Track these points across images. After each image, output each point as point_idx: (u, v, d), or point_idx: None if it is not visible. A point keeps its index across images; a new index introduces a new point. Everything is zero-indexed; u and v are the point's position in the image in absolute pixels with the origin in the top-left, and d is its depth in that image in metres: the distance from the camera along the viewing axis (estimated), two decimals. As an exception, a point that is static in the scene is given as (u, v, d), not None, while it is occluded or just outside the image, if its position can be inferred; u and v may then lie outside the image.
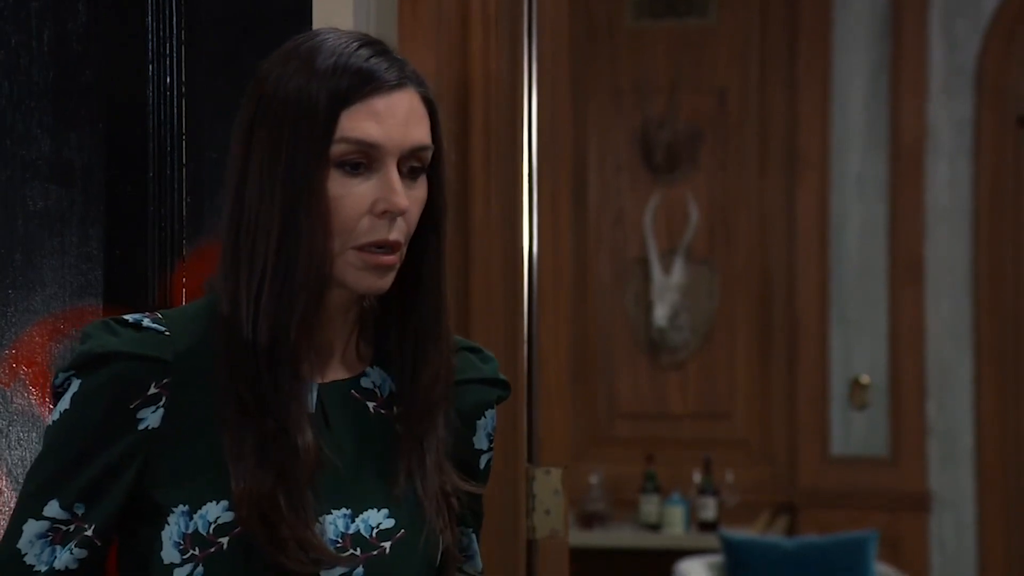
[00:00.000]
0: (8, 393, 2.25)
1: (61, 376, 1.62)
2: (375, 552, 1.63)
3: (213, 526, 1.58)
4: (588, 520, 6.99)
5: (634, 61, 7.43)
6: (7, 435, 2.25)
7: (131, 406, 1.59)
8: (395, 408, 1.69)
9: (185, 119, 2.30)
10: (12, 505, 2.23)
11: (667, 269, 7.35)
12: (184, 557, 1.58)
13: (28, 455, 2.25)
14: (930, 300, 7.16)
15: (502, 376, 1.80)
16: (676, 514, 6.88)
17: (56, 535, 1.60)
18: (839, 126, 7.25)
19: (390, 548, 1.64)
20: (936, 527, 7.14)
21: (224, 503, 1.59)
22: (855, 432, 7.21)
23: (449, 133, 2.84)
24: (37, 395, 2.25)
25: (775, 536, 6.82)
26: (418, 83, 1.65)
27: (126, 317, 1.63)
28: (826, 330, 7.23)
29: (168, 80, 2.30)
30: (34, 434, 2.25)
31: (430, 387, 1.68)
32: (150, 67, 2.30)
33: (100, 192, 2.28)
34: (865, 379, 7.17)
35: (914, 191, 7.17)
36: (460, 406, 1.74)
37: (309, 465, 1.60)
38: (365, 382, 1.70)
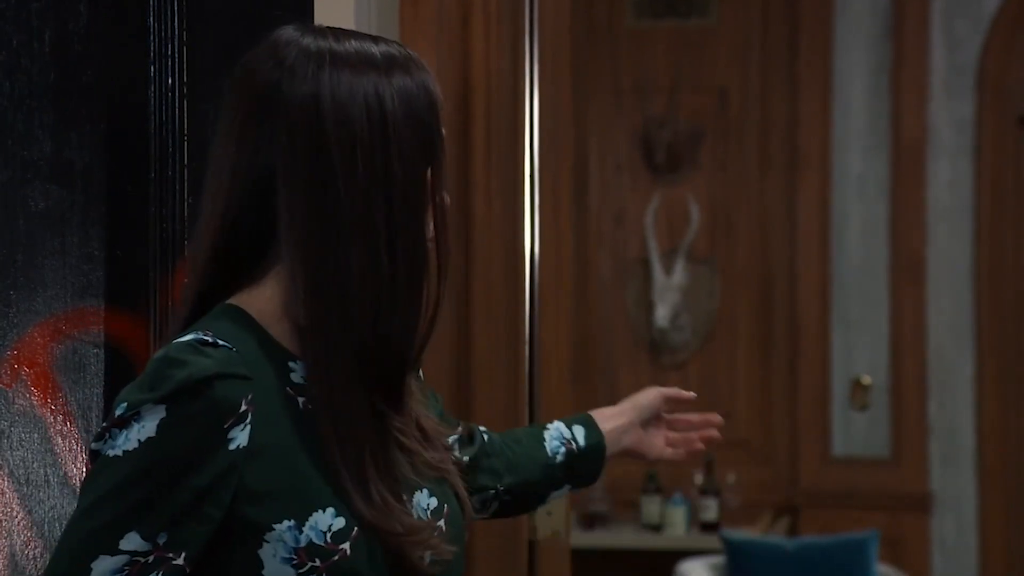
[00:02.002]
0: (10, 394, 2.25)
1: (142, 405, 1.55)
2: (437, 534, 1.68)
3: (329, 535, 1.57)
4: (589, 521, 6.98)
5: (635, 61, 7.43)
6: (9, 436, 2.25)
7: (225, 427, 1.55)
8: None
9: (187, 119, 2.29)
10: (14, 506, 2.22)
11: (668, 269, 7.35)
12: (301, 571, 1.56)
13: (29, 456, 2.24)
14: (931, 300, 7.15)
15: None
16: (677, 515, 6.88)
17: (134, 568, 1.54)
18: (840, 126, 7.25)
19: (445, 525, 1.69)
20: (937, 527, 7.14)
21: (331, 510, 1.58)
22: (856, 432, 7.21)
23: (450, 132, 2.84)
24: (39, 396, 2.25)
25: (776, 537, 6.82)
26: None
27: (203, 338, 1.59)
28: (827, 330, 7.22)
29: (169, 80, 2.29)
30: (35, 435, 2.25)
31: (419, 361, 1.73)
32: (151, 67, 2.30)
33: (101, 192, 2.28)
34: (866, 379, 7.17)
35: (915, 191, 7.16)
36: None
37: (415, 464, 1.65)
38: None
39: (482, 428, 2.11)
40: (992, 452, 7.11)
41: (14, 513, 2.22)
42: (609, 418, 2.18)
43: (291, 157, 1.61)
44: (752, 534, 6.67)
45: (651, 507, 6.95)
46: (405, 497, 1.65)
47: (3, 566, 2.22)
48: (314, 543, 1.57)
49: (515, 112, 2.93)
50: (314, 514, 1.57)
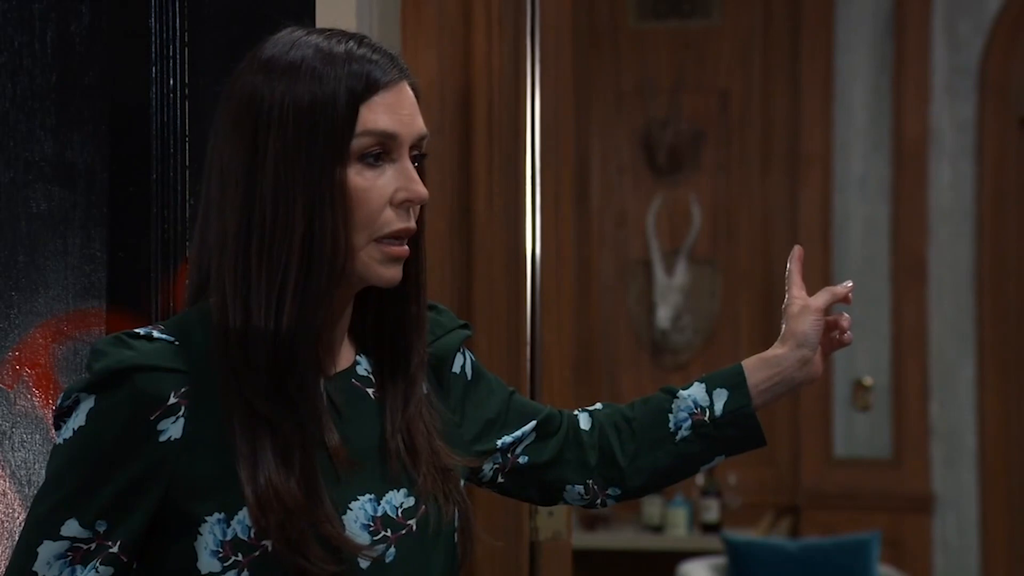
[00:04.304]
0: (11, 395, 2.25)
1: (74, 395, 1.60)
2: (403, 531, 1.67)
3: (254, 530, 1.58)
4: (591, 521, 6.98)
5: (637, 62, 7.44)
6: (11, 437, 2.25)
7: (151, 418, 1.58)
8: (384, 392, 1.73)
9: (188, 120, 2.29)
10: (16, 507, 2.22)
11: (670, 270, 7.35)
12: (225, 564, 1.58)
13: (32, 457, 2.25)
14: (933, 301, 7.15)
15: (459, 320, 1.88)
16: (679, 516, 6.88)
17: (76, 554, 1.58)
18: (842, 126, 7.25)
19: (416, 525, 1.68)
20: (939, 528, 7.14)
21: None
22: (858, 433, 7.21)
23: (452, 133, 2.85)
24: (40, 397, 2.25)
25: (778, 538, 6.82)
26: (409, 74, 1.69)
27: (136, 330, 1.63)
28: (829, 331, 7.21)
29: (171, 81, 2.30)
30: (37, 436, 2.25)
31: (416, 372, 1.73)
32: (153, 68, 2.30)
33: (103, 194, 2.28)
34: (868, 380, 7.16)
35: (917, 192, 7.16)
36: (435, 360, 1.81)
37: (339, 460, 1.62)
38: (360, 370, 1.73)
39: (597, 407, 2.00)
40: (993, 453, 7.11)
41: (16, 514, 2.22)
42: (768, 364, 2.01)
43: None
44: (753, 535, 6.67)
45: (652, 508, 6.95)
46: (348, 496, 1.63)
47: (5, 567, 2.22)
48: (239, 537, 1.58)
49: (516, 113, 2.93)
50: (243, 509, 1.58)
